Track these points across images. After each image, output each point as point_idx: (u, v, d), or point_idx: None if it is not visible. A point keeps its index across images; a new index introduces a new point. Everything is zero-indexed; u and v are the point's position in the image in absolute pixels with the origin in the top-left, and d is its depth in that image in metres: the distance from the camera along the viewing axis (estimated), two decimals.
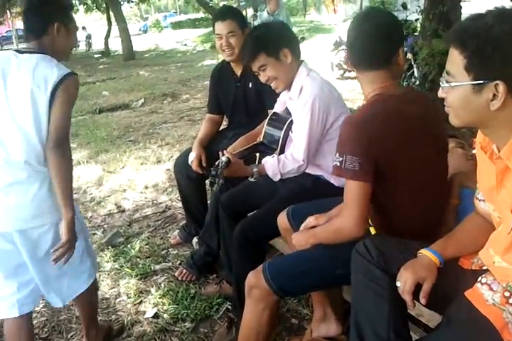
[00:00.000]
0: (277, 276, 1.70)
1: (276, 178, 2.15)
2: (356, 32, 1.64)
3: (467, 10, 5.25)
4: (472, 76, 1.16)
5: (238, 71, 2.85)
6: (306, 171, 2.22)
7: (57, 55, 1.88)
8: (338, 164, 1.53)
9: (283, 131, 2.28)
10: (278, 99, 2.48)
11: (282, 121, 2.31)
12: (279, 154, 2.25)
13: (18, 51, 1.84)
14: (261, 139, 2.35)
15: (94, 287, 2.19)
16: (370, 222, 1.73)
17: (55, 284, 1.97)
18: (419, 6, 5.46)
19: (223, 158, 2.06)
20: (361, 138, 1.51)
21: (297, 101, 2.09)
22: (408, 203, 1.64)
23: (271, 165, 2.14)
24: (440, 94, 1.27)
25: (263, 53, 2.11)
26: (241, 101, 2.88)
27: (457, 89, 1.20)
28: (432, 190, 1.68)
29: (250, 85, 2.81)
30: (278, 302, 1.83)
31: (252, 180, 2.19)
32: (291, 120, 2.26)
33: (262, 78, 2.20)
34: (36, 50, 1.84)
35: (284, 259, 1.80)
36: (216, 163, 2.05)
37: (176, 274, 2.75)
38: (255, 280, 1.74)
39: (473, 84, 1.16)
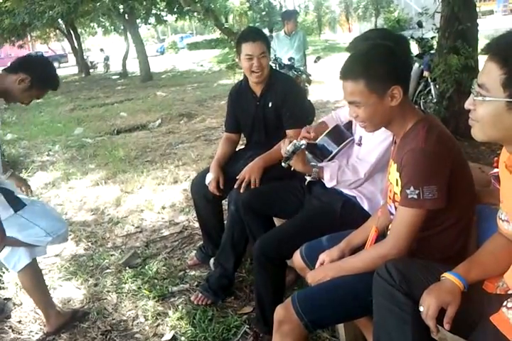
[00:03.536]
0: (308, 308, 1.65)
1: (331, 184, 2.11)
2: (399, 62, 1.62)
3: (482, 26, 5.26)
4: (508, 93, 1.13)
5: (258, 90, 2.86)
6: (342, 190, 2.22)
7: (5, 95, 2.34)
8: (416, 197, 1.52)
9: (338, 148, 2.25)
10: (345, 108, 2.46)
11: (343, 137, 2.28)
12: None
13: None
14: (317, 141, 2.32)
15: (34, 268, 2.54)
16: None
17: None
18: (434, 24, 5.44)
19: (302, 141, 2.06)
20: (436, 165, 1.52)
21: None
22: (454, 222, 1.64)
23: (330, 168, 2.11)
24: (468, 105, 1.24)
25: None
26: (260, 120, 2.89)
27: (489, 103, 1.17)
28: (472, 209, 1.70)
29: (270, 104, 2.82)
30: (306, 337, 1.77)
31: (309, 178, 2.18)
32: (352, 140, 2.25)
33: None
34: None
35: (314, 289, 1.73)
36: (293, 142, 2.05)
37: (192, 298, 2.71)
38: (285, 314, 1.68)
39: (507, 102, 1.14)
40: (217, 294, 2.68)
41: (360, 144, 2.19)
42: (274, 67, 3.55)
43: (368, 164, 2.06)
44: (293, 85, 2.95)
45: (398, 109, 1.61)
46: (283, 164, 2.09)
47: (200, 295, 2.69)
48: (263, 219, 2.49)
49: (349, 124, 2.37)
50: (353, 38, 2.19)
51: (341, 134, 2.30)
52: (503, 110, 1.15)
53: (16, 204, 2.38)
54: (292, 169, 2.15)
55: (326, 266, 1.78)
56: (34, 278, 2.54)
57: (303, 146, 2.04)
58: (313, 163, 2.19)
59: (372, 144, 2.08)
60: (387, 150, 2.00)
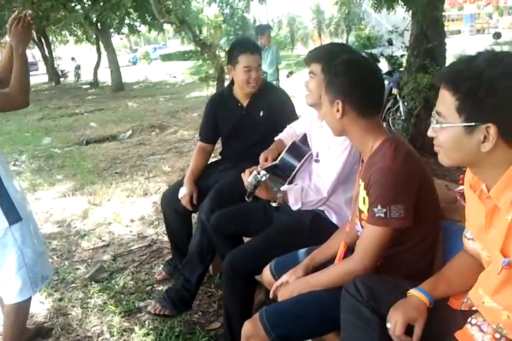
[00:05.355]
0: (276, 323, 1.64)
1: (296, 207, 2.11)
2: (356, 79, 1.65)
3: (450, 45, 5.40)
4: (463, 118, 1.17)
5: (244, 100, 2.87)
6: None
7: None
8: (383, 215, 1.53)
9: (300, 163, 2.28)
10: (299, 121, 2.51)
11: (302, 152, 2.32)
12: (289, 182, 2.26)
13: None
14: (277, 162, 2.35)
15: (24, 309, 2.30)
16: None
17: None
18: (403, 43, 5.57)
19: (262, 172, 2.05)
20: (404, 184, 1.54)
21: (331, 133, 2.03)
22: (420, 240, 1.66)
23: (294, 192, 2.11)
24: (430, 133, 1.28)
25: None
26: (244, 129, 2.87)
27: (448, 129, 1.21)
28: (438, 226, 1.72)
29: (261, 113, 2.82)
30: None
31: (274, 204, 2.17)
32: (311, 154, 2.28)
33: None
34: None
35: (282, 305, 1.73)
36: (253, 174, 2.04)
37: (149, 308, 2.61)
38: (252, 329, 1.67)
39: (464, 126, 1.17)
40: (176, 306, 2.58)
41: (317, 161, 2.22)
42: None
43: (329, 181, 2.07)
44: (284, 94, 2.98)
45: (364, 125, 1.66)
46: (247, 199, 2.07)
47: (157, 305, 2.59)
48: (233, 239, 2.46)
49: (304, 138, 2.40)
50: (313, 49, 2.23)
51: (299, 150, 2.34)
52: (461, 134, 1.18)
53: (12, 215, 2.12)
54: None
55: (293, 283, 1.78)
56: (24, 315, 2.35)
57: (263, 178, 2.03)
58: (275, 189, 2.20)
59: (330, 161, 2.10)
60: (345, 164, 2.03)
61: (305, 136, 2.41)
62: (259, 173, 2.03)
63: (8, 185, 2.14)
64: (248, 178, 2.06)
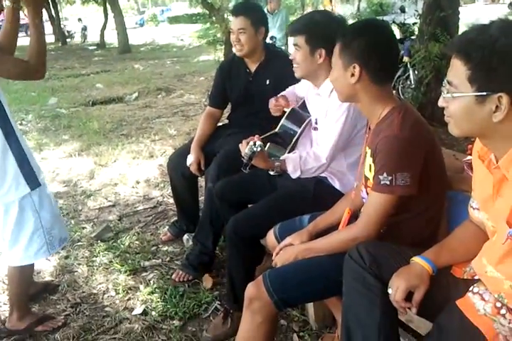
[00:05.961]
0: (279, 286, 1.67)
1: (295, 175, 2.10)
2: (375, 42, 1.60)
3: (464, 15, 5.29)
4: (475, 87, 1.15)
5: (252, 66, 2.83)
6: None
7: None
8: (388, 183, 1.53)
9: (301, 129, 2.26)
10: (300, 84, 2.46)
11: (302, 118, 2.30)
12: (291, 149, 2.26)
13: None
14: (276, 130, 2.33)
15: (29, 269, 2.32)
16: None
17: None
18: (416, 10, 5.46)
19: (258, 143, 2.03)
20: (410, 152, 1.53)
21: (329, 100, 2.04)
22: (425, 208, 1.66)
23: (292, 160, 2.10)
24: (440, 103, 1.26)
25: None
26: (251, 96, 2.84)
27: (459, 99, 1.19)
28: (443, 196, 1.72)
29: (268, 82, 2.78)
30: (276, 315, 1.79)
31: (272, 173, 2.18)
32: (310, 119, 2.26)
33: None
34: None
35: (286, 268, 1.76)
36: (249, 145, 2.02)
37: (173, 276, 2.70)
38: (256, 291, 1.69)
39: (476, 96, 1.16)
40: (198, 270, 2.68)
41: (316, 128, 2.20)
42: None
43: (327, 148, 2.05)
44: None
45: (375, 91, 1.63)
46: (243, 170, 2.07)
47: (180, 272, 2.69)
48: (237, 207, 2.46)
49: (303, 104, 2.38)
50: (294, 20, 2.20)
51: (299, 115, 2.32)
52: (472, 104, 1.17)
53: (32, 180, 2.10)
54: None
55: (296, 247, 1.80)
56: (28, 276, 2.38)
57: (258, 149, 2.02)
58: (276, 157, 2.18)
59: (327, 127, 2.08)
60: (343, 130, 2.01)
61: (304, 102, 2.39)
62: (254, 144, 2.02)
63: (26, 149, 2.13)
64: (246, 150, 2.05)
